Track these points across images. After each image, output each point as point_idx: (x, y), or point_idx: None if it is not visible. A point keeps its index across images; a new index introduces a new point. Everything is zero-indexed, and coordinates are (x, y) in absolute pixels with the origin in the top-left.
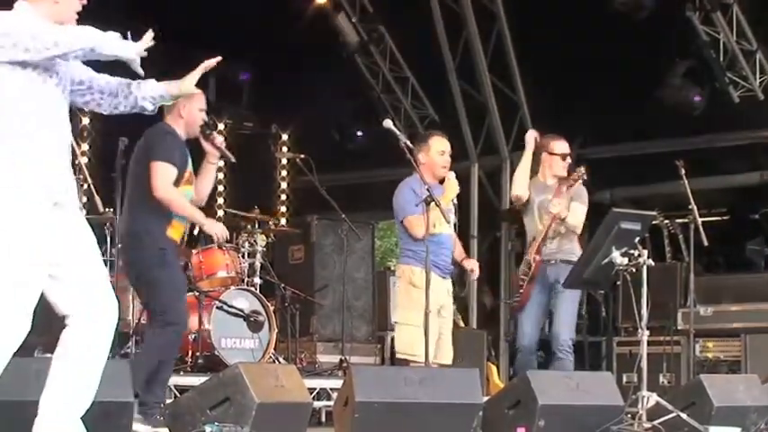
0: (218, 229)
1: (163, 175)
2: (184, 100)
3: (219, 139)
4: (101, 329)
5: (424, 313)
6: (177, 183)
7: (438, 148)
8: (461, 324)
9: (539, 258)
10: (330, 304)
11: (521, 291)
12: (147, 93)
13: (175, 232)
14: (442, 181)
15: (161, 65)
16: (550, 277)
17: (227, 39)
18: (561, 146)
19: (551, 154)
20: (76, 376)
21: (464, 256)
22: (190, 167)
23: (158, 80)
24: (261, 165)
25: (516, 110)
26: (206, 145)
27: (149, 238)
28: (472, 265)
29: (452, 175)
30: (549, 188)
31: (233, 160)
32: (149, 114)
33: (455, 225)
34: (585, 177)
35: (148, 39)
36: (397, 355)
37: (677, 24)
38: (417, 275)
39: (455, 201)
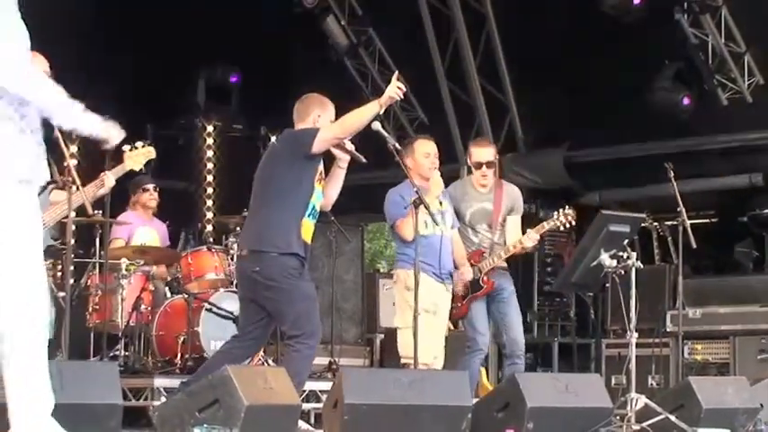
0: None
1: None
2: (319, 109)
3: (350, 145)
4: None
5: (412, 316)
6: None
7: (422, 151)
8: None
9: (486, 279)
10: (319, 306)
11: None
12: (73, 121)
13: (306, 233)
14: None
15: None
16: (496, 284)
17: (217, 41)
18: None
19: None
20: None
21: (464, 261)
22: (321, 167)
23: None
24: (250, 167)
25: (505, 112)
26: (336, 150)
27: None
28: (463, 273)
29: (436, 173)
30: (475, 197)
31: (364, 161)
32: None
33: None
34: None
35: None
36: (402, 360)
37: (666, 27)
38: (412, 278)
39: (442, 200)
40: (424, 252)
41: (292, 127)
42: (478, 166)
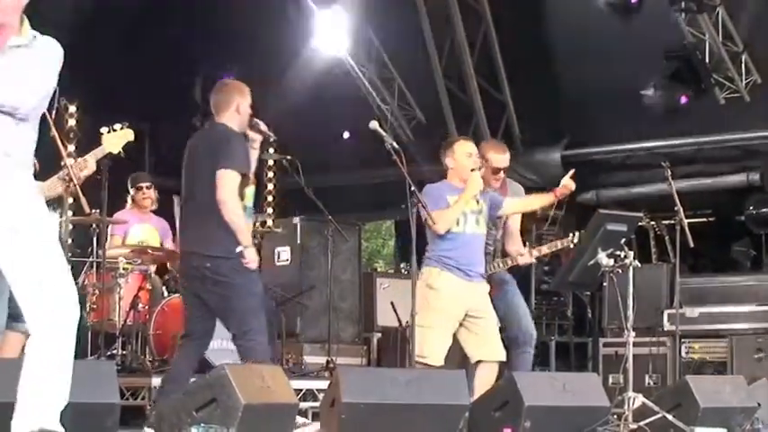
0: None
1: (228, 183)
2: (240, 97)
3: (263, 125)
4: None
5: (434, 316)
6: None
7: (464, 151)
8: None
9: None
10: (316, 305)
11: None
12: None
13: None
14: None
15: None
16: (496, 279)
17: (212, 39)
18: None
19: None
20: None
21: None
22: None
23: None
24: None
25: (503, 111)
26: (250, 133)
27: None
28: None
29: (476, 173)
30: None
31: (274, 138)
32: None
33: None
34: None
35: None
36: (417, 359)
37: (663, 26)
38: (434, 277)
39: (479, 199)
40: (457, 249)
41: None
42: (496, 171)
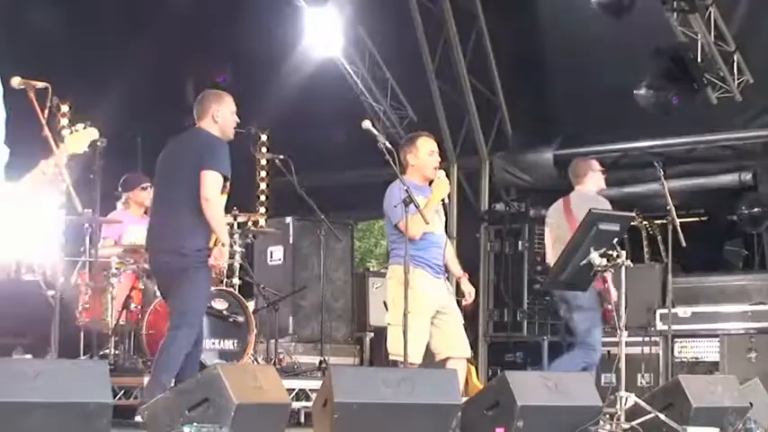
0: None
1: (214, 183)
2: (216, 105)
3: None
4: None
5: (402, 314)
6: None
7: (427, 149)
8: None
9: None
10: (309, 305)
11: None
12: None
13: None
14: (431, 182)
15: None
16: None
17: (205, 40)
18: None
19: None
20: None
21: (458, 267)
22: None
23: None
24: (239, 165)
25: (495, 111)
26: None
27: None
28: (468, 289)
29: (442, 173)
30: None
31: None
32: None
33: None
34: None
35: None
36: (390, 357)
37: (655, 25)
38: (409, 275)
39: (446, 200)
40: (425, 248)
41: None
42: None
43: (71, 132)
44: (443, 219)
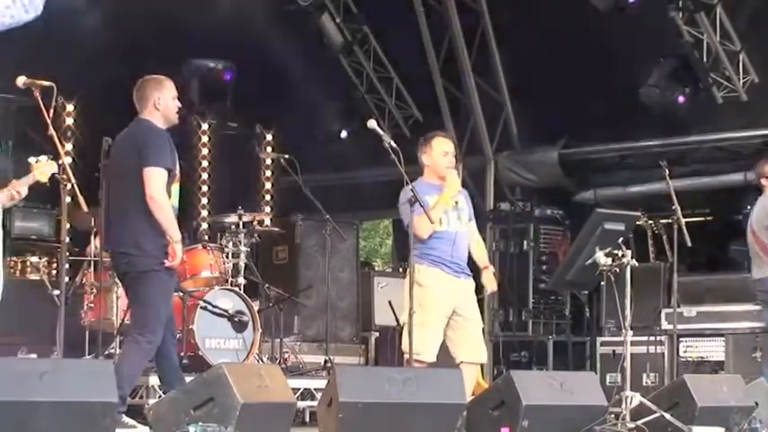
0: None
1: (157, 180)
2: (156, 92)
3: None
4: None
5: (407, 313)
6: (169, 183)
7: (441, 149)
8: None
9: None
10: (314, 304)
11: None
12: None
13: None
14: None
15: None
16: None
17: (211, 39)
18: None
19: None
20: None
21: (484, 258)
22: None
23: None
24: (245, 165)
25: (500, 110)
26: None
27: (150, 242)
28: (488, 281)
29: (453, 172)
30: None
31: None
32: None
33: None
34: None
35: None
36: (405, 356)
37: (661, 25)
38: (422, 273)
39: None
40: (439, 247)
41: (288, 125)
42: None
43: (36, 161)
44: (467, 213)
